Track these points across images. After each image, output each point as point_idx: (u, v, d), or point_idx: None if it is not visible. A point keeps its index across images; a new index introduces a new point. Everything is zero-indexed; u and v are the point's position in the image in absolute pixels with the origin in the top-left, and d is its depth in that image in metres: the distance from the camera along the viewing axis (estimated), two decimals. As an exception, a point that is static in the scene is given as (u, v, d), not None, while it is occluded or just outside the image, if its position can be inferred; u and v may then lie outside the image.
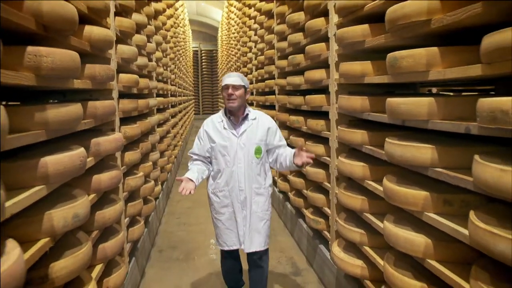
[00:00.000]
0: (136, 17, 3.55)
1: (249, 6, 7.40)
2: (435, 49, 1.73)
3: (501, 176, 1.25)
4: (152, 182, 4.05)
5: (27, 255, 1.41)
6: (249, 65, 7.70)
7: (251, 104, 7.66)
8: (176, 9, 8.63)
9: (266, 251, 2.88)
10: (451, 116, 1.70)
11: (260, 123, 2.80)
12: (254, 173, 2.75)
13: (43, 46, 1.52)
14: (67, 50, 1.62)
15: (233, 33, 11.01)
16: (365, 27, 2.39)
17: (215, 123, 2.80)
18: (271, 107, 5.69)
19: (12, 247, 1.20)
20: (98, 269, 2.25)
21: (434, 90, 4.46)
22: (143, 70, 3.94)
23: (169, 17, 6.75)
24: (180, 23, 10.04)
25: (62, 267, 1.64)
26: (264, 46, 5.88)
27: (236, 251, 2.92)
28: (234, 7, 10.51)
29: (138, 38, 3.65)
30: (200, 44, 24.40)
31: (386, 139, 2.04)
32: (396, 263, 2.11)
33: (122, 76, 3.02)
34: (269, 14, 5.48)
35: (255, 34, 6.70)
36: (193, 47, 21.88)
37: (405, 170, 2.06)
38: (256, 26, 6.56)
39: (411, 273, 1.99)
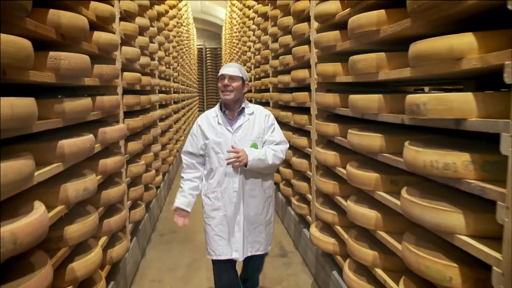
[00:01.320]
0: (139, 20, 3.92)
1: (249, 8, 7.76)
2: (382, 54, 2.08)
3: (416, 156, 1.61)
4: (153, 171, 4.42)
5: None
6: (248, 64, 8.06)
7: (249, 101, 8.01)
8: (179, 10, 8.99)
9: (259, 257, 2.76)
10: (395, 110, 2.05)
11: (257, 118, 2.61)
12: (249, 173, 2.54)
13: (58, 51, 1.89)
14: (80, 54, 1.99)
15: (235, 32, 11.36)
16: (336, 33, 2.74)
17: (209, 118, 2.61)
18: (266, 103, 6.05)
19: (39, 205, 1.58)
20: (103, 240, 2.63)
21: (426, 88, 4.70)
22: (145, 68, 4.31)
23: (171, 18, 7.11)
24: (184, 22, 10.40)
25: (75, 230, 2.02)
26: (261, 46, 6.24)
27: (230, 263, 2.64)
28: (236, 7, 10.86)
29: (141, 39, 4.02)
30: (205, 42, 24.74)
31: (349, 130, 2.40)
32: (357, 237, 2.48)
33: (126, 74, 3.40)
34: (265, 17, 5.84)
35: (253, 35, 7.06)
36: (197, 45, 22.24)
37: (368, 158, 2.42)
38: (254, 27, 6.91)
39: (367, 244, 2.36)
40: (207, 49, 24.85)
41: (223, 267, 2.62)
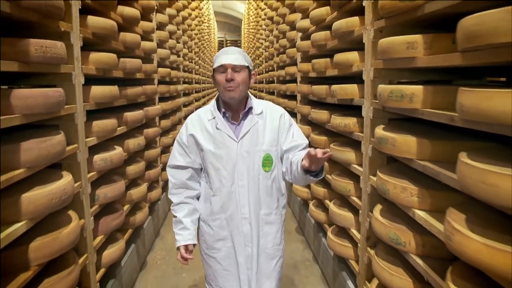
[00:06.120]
0: (169, 27, 5.12)
1: (261, 9, 8.89)
2: (328, 59, 3.21)
3: (333, 121, 2.76)
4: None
5: (119, 157, 3.01)
6: (260, 58, 9.22)
7: (260, 92, 9.17)
8: (201, 9, 10.17)
9: None
10: (335, 95, 3.18)
11: (269, 120, 1.96)
12: (263, 193, 1.94)
13: (122, 58, 3.09)
14: (136, 59, 3.20)
15: (252, 29, 12.51)
16: (308, 42, 3.86)
17: (203, 120, 1.94)
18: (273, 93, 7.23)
19: (118, 147, 2.80)
20: (146, 183, 3.86)
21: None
22: (173, 64, 5.52)
23: (193, 19, 8.30)
24: (205, 19, 11.59)
25: (133, 169, 3.23)
26: (269, 45, 7.38)
27: None
28: (252, 6, 12.01)
29: (170, 42, 5.22)
30: (226, 34, 25.98)
31: (311, 109, 3.55)
32: (316, 183, 3.63)
33: (160, 69, 4.60)
34: (272, 20, 6.96)
35: (264, 34, 8.20)
36: (218, 37, 23.45)
37: (324, 128, 3.55)
38: (264, 27, 8.06)
39: (321, 185, 3.51)
40: (228, 41, 26.04)
41: None
